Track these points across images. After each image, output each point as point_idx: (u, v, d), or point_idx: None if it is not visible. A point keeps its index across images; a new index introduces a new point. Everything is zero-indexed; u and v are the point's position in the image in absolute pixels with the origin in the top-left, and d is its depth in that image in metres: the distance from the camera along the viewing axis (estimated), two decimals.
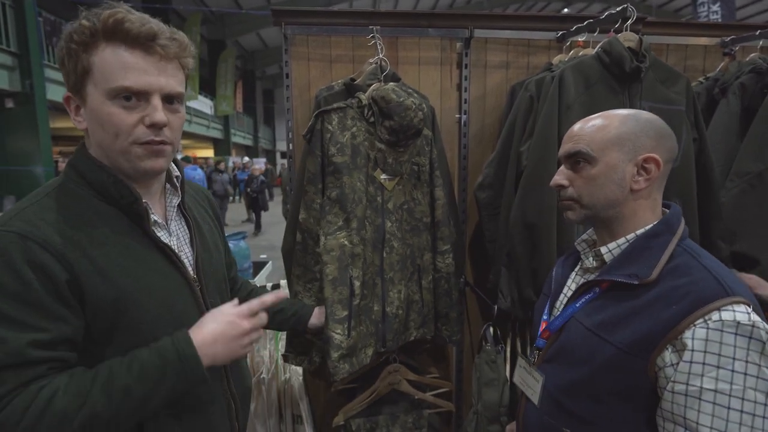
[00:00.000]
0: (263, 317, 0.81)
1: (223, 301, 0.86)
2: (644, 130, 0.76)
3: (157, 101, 0.69)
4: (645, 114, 0.79)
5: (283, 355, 1.48)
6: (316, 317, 1.25)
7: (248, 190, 8.69)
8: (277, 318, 1.17)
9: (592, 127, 0.79)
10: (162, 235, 0.79)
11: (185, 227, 0.86)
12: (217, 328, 0.74)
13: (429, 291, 1.49)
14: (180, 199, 0.85)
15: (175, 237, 0.83)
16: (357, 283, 1.29)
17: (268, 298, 0.83)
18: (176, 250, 0.80)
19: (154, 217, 0.78)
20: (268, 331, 1.86)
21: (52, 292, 0.64)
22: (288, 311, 1.20)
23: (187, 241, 0.85)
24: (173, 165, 0.84)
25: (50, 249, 0.64)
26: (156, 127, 0.69)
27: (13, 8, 6.77)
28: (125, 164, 0.71)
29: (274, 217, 9.90)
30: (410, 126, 1.32)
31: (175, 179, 0.84)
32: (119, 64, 0.65)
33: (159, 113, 0.68)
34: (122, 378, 0.66)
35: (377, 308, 1.37)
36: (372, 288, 1.36)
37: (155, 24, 0.68)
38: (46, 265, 0.64)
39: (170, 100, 0.71)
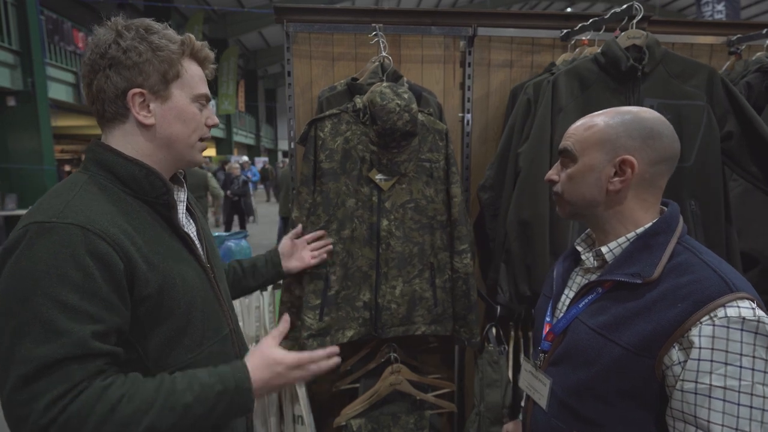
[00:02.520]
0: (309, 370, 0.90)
1: (227, 288, 0.95)
2: (627, 131, 0.75)
3: (210, 106, 0.87)
4: (633, 114, 0.77)
5: None
6: (286, 259, 1.31)
7: (228, 192, 7.67)
8: (257, 275, 1.24)
9: (582, 126, 0.80)
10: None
11: (191, 221, 0.91)
12: (266, 375, 0.81)
13: (444, 290, 1.49)
14: (186, 195, 0.90)
15: (187, 229, 0.87)
16: (333, 278, 1.40)
17: (320, 353, 0.92)
18: (194, 240, 0.85)
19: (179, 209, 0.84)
20: (268, 331, 1.86)
21: (111, 282, 0.67)
22: (260, 264, 1.26)
23: (195, 232, 0.90)
24: None
25: (108, 239, 0.67)
26: (214, 126, 0.88)
27: (15, 6, 6.77)
28: (187, 155, 0.84)
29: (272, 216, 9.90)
30: (394, 129, 1.32)
31: (179, 175, 0.89)
32: (199, 76, 0.83)
33: (215, 116, 0.87)
34: (184, 395, 0.70)
35: (368, 297, 1.45)
36: (363, 279, 1.45)
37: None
38: (106, 256, 0.67)
39: None
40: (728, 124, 1.35)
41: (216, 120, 0.87)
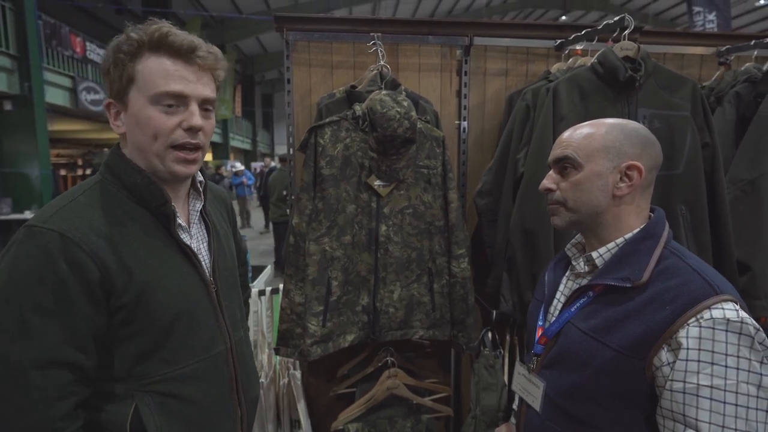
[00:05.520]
0: None
1: (237, 305, 0.91)
2: (629, 139, 0.79)
3: (194, 107, 0.75)
4: (631, 123, 0.82)
5: (274, 348, 1.52)
6: None
7: None
8: None
9: (580, 134, 0.82)
10: (184, 237, 0.82)
11: (204, 231, 0.89)
12: None
13: (442, 295, 1.51)
14: (202, 204, 0.89)
15: (196, 240, 0.86)
16: (335, 283, 1.41)
17: None
18: (196, 253, 0.83)
19: (179, 219, 0.81)
20: (266, 335, 1.86)
21: (85, 289, 0.68)
22: None
23: (205, 244, 0.88)
24: (198, 171, 0.87)
25: (85, 248, 0.68)
26: (193, 130, 0.75)
27: (13, 11, 6.77)
28: (160, 167, 0.76)
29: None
30: (394, 136, 1.35)
31: (198, 184, 0.88)
32: (162, 72, 0.72)
33: (196, 117, 0.75)
34: None
35: (367, 301, 1.47)
36: (362, 283, 1.47)
37: (195, 39, 0.75)
38: (81, 263, 0.68)
39: (205, 106, 0.77)
40: (704, 135, 1.42)
41: (194, 122, 0.74)
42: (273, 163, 9.64)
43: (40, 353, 0.65)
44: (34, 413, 0.65)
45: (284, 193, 5.64)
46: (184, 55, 0.73)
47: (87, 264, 0.68)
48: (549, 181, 0.85)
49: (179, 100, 0.73)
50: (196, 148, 0.77)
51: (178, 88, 0.72)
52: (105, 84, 0.76)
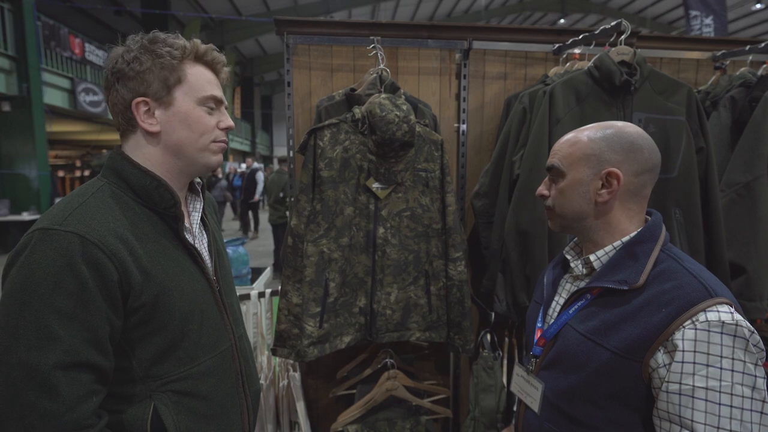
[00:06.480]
0: None
1: (235, 302, 0.94)
2: (610, 145, 0.80)
3: (224, 110, 0.86)
4: (615, 129, 0.82)
5: (271, 348, 1.53)
6: None
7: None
8: None
9: (566, 143, 0.84)
10: (189, 238, 0.84)
11: (204, 232, 0.91)
12: None
13: (439, 297, 1.52)
14: (202, 205, 0.91)
15: (198, 241, 0.88)
16: (332, 284, 1.42)
17: None
18: (201, 253, 0.85)
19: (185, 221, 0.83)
20: (265, 337, 1.87)
21: (104, 291, 0.68)
22: None
23: (206, 245, 0.90)
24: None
25: (104, 249, 0.69)
26: (229, 129, 0.86)
27: (11, 12, 6.78)
28: (200, 160, 0.83)
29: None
30: (393, 139, 1.36)
31: (196, 185, 0.90)
32: (206, 79, 0.82)
33: (229, 119, 0.86)
34: None
35: (364, 303, 1.48)
36: (359, 285, 1.48)
37: (222, 55, 0.87)
38: (102, 265, 0.68)
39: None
40: (699, 140, 1.45)
41: (230, 122, 0.85)
42: (255, 164, 9.67)
43: (63, 356, 0.65)
44: (63, 414, 0.65)
45: (281, 195, 5.66)
46: (216, 68, 0.85)
47: (107, 265, 0.68)
48: (543, 186, 0.89)
49: (216, 103, 0.84)
50: (224, 142, 0.87)
51: (218, 93, 0.83)
52: (130, 84, 0.76)
